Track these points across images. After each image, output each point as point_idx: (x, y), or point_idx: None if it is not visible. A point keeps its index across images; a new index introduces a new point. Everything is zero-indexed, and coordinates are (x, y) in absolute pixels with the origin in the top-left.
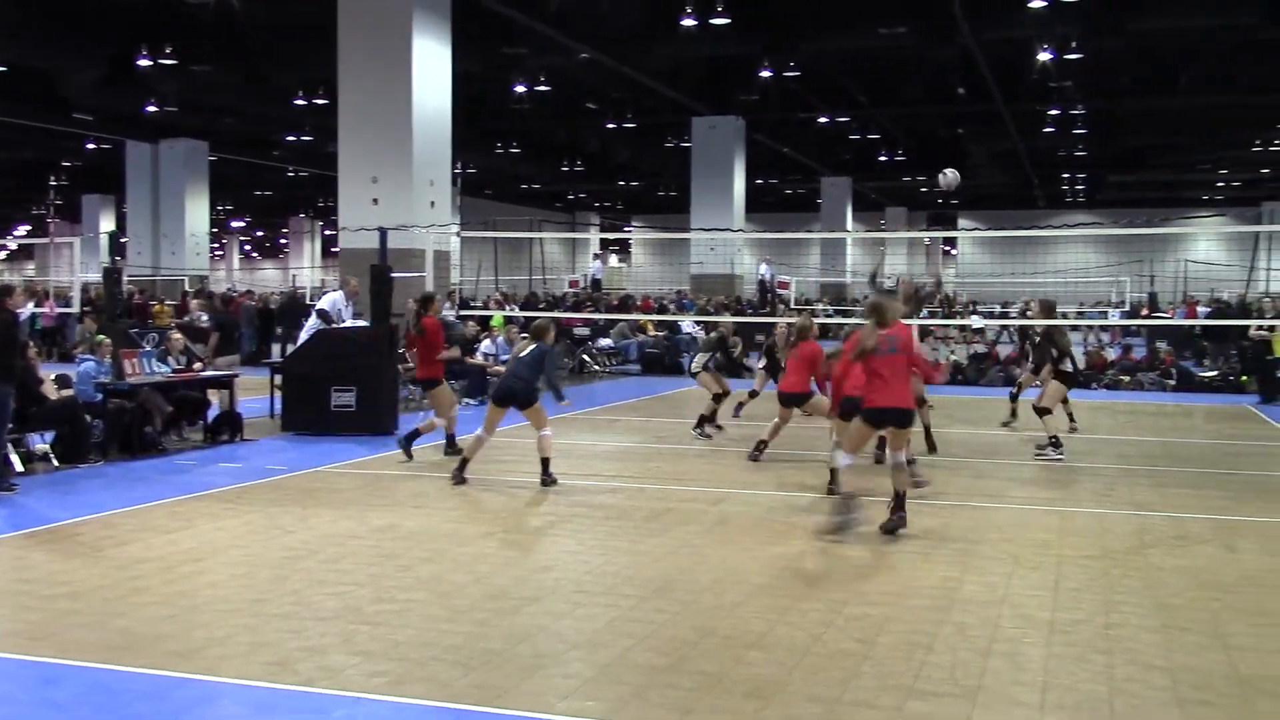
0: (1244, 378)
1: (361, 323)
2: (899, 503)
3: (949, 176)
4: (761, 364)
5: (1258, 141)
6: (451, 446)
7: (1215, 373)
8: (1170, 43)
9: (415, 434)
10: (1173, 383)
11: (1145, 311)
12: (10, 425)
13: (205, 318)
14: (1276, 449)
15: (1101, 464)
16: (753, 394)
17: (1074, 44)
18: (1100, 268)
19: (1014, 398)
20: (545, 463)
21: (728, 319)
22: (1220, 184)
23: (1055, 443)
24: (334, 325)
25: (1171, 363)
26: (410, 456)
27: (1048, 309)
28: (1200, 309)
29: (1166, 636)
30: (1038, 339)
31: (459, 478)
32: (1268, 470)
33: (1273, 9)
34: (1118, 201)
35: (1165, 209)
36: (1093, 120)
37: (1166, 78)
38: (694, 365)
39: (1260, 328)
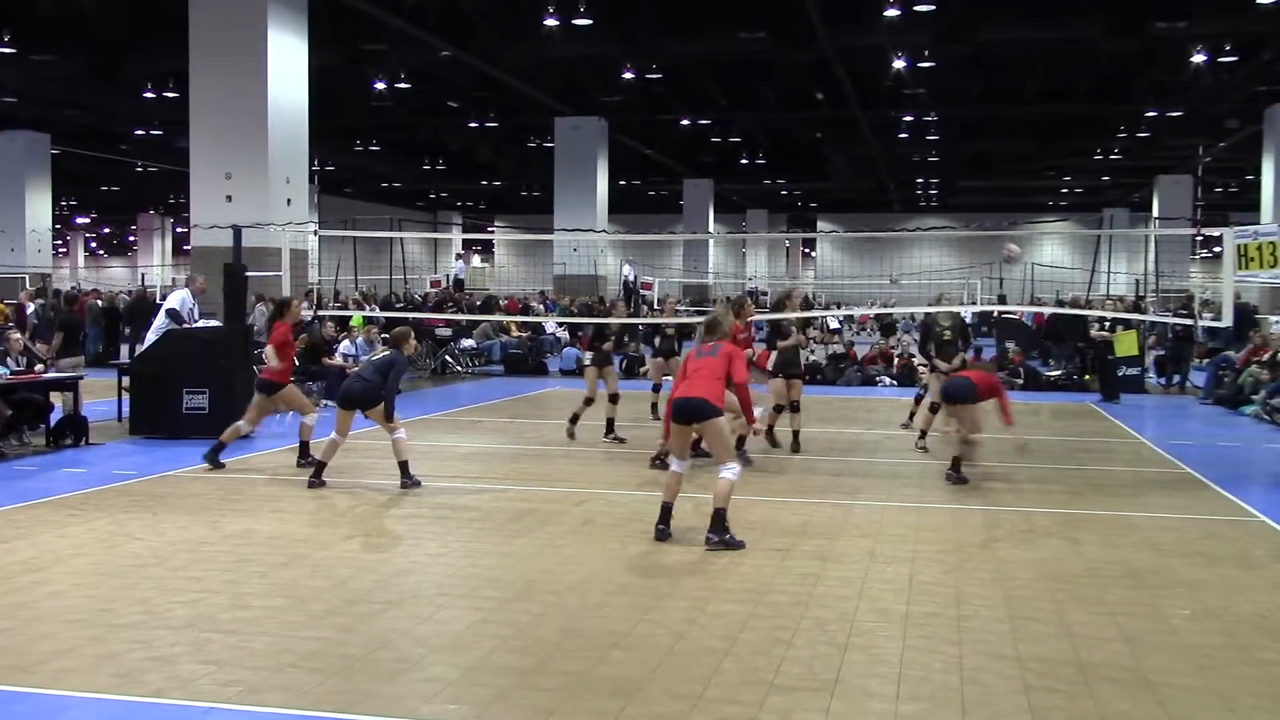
0: (1087, 377)
1: (213, 322)
2: (716, 519)
3: (1013, 251)
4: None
5: (1099, 150)
6: (305, 454)
7: (1060, 372)
8: (1014, 53)
9: (304, 446)
10: (1020, 381)
11: (996, 312)
12: None
13: (31, 308)
14: (1116, 445)
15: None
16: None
17: (926, 52)
18: (953, 269)
19: (920, 400)
20: (403, 466)
21: (616, 320)
22: (1064, 190)
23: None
24: (184, 325)
25: (1019, 362)
26: (311, 464)
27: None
28: (1046, 310)
29: (1014, 627)
30: (946, 335)
31: (316, 481)
32: (1108, 466)
33: (1110, 23)
34: (969, 206)
35: (1013, 213)
36: (944, 126)
37: (1012, 87)
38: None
39: (1102, 328)
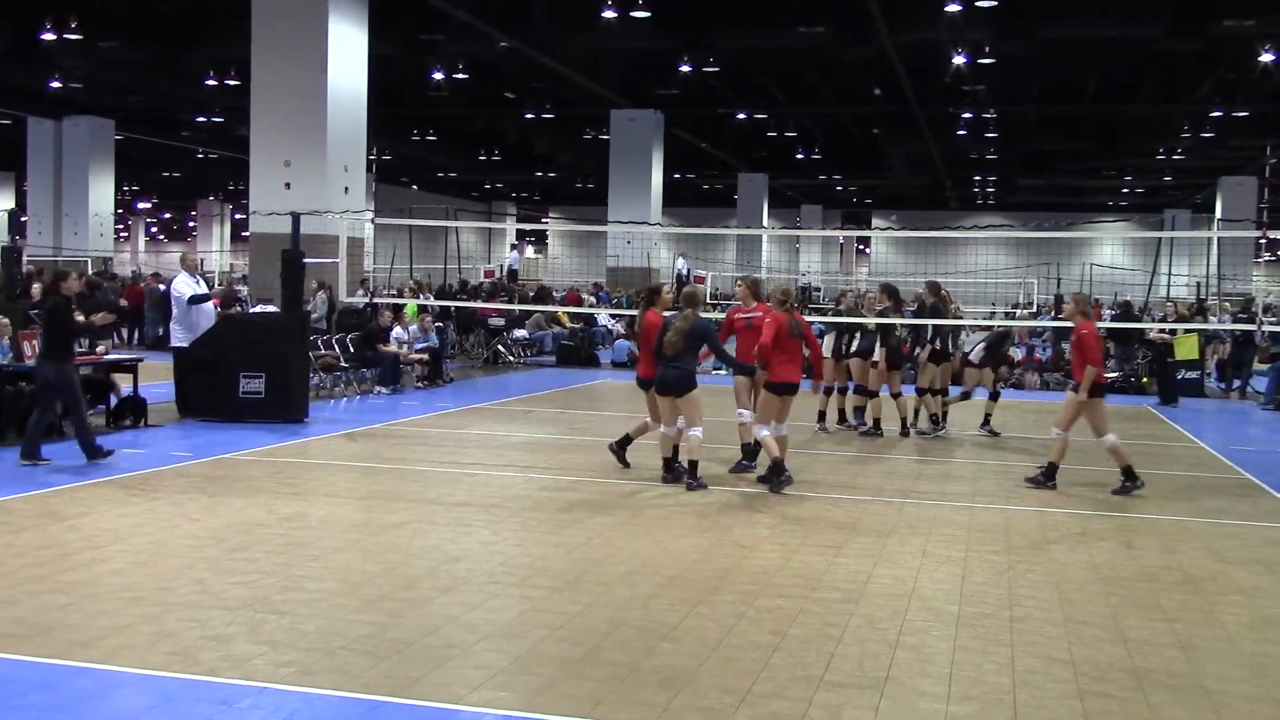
0: (1145, 379)
1: (270, 308)
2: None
3: None
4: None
5: (1161, 150)
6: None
7: (1117, 374)
8: (1077, 51)
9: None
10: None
11: (1053, 314)
12: None
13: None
14: (1174, 449)
15: (1008, 461)
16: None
17: (986, 49)
18: (1009, 269)
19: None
20: (693, 466)
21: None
22: (1125, 190)
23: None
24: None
25: None
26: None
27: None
28: (1105, 312)
29: (1068, 630)
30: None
31: (669, 478)
32: (1164, 469)
33: (1173, 23)
34: (1027, 205)
35: (1072, 213)
36: (1003, 124)
37: (1073, 85)
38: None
39: (1161, 331)
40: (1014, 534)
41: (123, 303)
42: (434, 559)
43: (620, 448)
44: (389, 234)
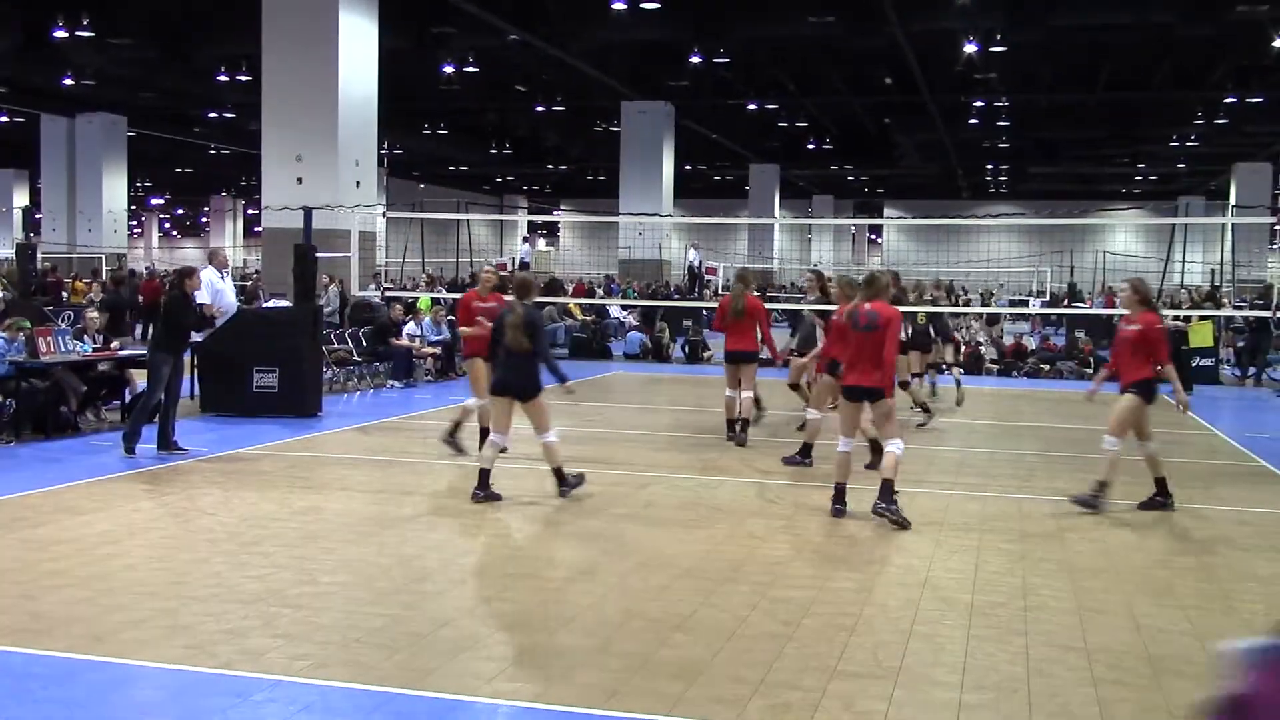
0: (1159, 367)
1: (282, 303)
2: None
3: None
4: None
5: (1174, 138)
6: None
7: None
8: (1089, 38)
9: None
10: (1090, 371)
11: (1066, 301)
12: None
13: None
14: (1187, 437)
15: (1022, 450)
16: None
17: (998, 37)
18: (1022, 257)
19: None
20: (558, 473)
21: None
22: (1138, 178)
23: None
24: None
25: (1090, 352)
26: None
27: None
28: (1118, 300)
29: (1082, 618)
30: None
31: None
32: (1180, 457)
33: (1185, 9)
34: (1039, 193)
35: (1085, 201)
36: (1015, 112)
37: (1085, 72)
38: None
39: (1176, 319)
40: (1027, 522)
41: (139, 299)
42: (447, 552)
43: (452, 436)
44: (400, 228)
